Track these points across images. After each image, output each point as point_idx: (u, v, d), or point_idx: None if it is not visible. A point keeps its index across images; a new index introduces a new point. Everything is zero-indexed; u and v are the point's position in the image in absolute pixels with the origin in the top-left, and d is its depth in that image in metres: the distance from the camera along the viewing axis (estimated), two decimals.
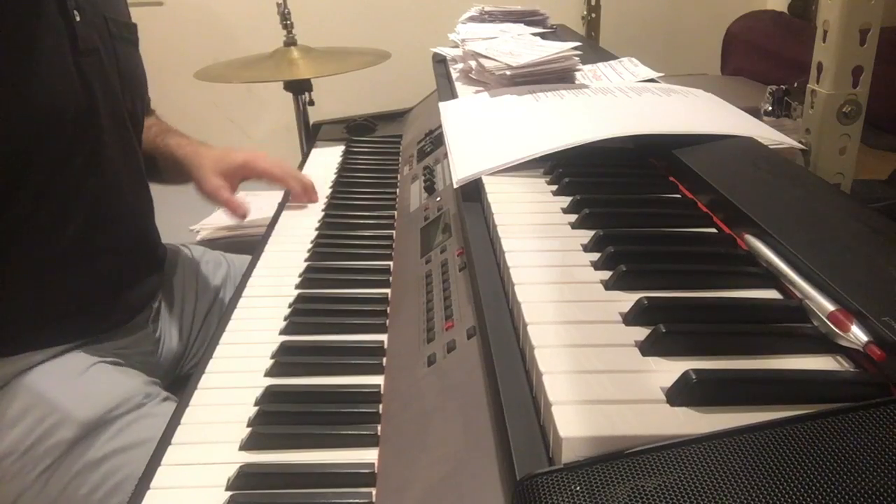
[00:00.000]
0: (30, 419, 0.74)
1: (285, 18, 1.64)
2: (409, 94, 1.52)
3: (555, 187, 0.67)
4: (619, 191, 0.68)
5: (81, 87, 0.81)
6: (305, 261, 0.86)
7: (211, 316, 1.05)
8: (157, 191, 1.04)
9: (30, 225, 0.78)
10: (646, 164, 0.74)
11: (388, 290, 0.77)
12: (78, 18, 0.81)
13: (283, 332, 0.71)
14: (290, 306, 0.75)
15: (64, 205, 0.81)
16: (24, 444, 0.72)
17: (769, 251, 0.50)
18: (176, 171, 1.06)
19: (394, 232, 0.92)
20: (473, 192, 0.69)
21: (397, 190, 1.07)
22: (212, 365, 0.67)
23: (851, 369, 0.40)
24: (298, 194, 1.07)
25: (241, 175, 1.06)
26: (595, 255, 0.53)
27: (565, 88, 0.91)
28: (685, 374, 0.36)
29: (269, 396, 0.60)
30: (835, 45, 0.69)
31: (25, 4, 0.74)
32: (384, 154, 1.27)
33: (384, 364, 0.64)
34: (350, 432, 0.55)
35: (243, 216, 1.03)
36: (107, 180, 0.86)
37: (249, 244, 1.22)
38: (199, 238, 1.59)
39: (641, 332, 0.42)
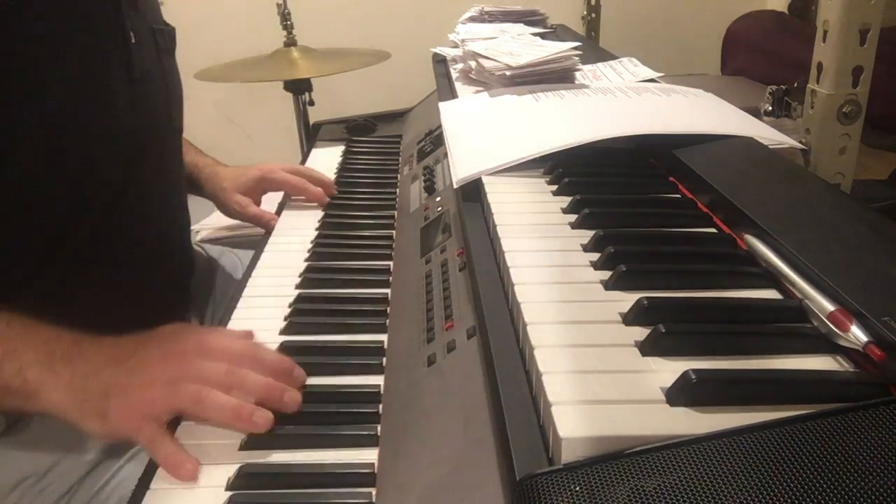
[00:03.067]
0: (50, 442, 0.72)
1: (285, 19, 1.64)
2: (409, 94, 1.52)
3: (555, 187, 0.67)
4: (619, 191, 0.68)
5: (134, 116, 0.77)
6: (305, 261, 0.86)
7: (212, 313, 1.04)
8: None
9: (84, 261, 0.75)
10: (646, 164, 0.74)
11: (388, 290, 0.77)
12: (133, 40, 0.76)
13: (283, 332, 0.71)
14: (290, 306, 0.74)
15: (115, 241, 0.77)
16: (44, 466, 0.71)
17: (769, 251, 0.50)
18: (192, 185, 1.08)
19: (394, 232, 0.92)
20: (473, 192, 0.69)
21: (397, 190, 1.07)
22: None
23: (851, 369, 0.40)
24: (320, 198, 1.06)
25: (261, 189, 1.08)
26: (595, 255, 0.53)
27: (565, 88, 0.91)
28: (685, 375, 0.36)
29: None
30: (835, 45, 0.69)
31: (88, 33, 0.70)
32: (384, 154, 1.27)
33: (384, 364, 0.64)
34: (350, 432, 0.55)
35: (272, 226, 1.04)
36: (151, 208, 0.83)
37: (249, 244, 1.22)
38: (198, 238, 1.59)
39: (641, 332, 0.42)
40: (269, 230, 1.03)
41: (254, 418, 0.54)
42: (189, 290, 0.99)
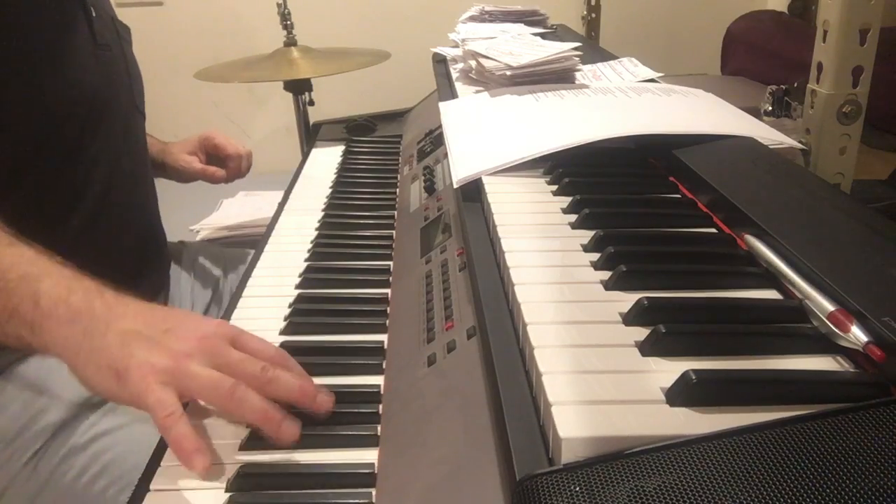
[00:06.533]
0: (17, 405, 0.73)
1: (285, 18, 1.64)
2: (409, 94, 1.52)
3: (555, 187, 0.67)
4: (619, 191, 0.68)
5: (98, 79, 0.84)
6: (305, 261, 0.86)
7: (209, 313, 1.05)
8: (158, 191, 1.05)
9: (35, 214, 0.78)
10: (646, 164, 0.74)
11: (388, 290, 0.77)
12: (94, 14, 0.85)
13: (283, 332, 0.71)
14: (290, 306, 0.74)
15: (71, 195, 0.82)
16: (12, 431, 0.72)
17: (769, 251, 0.50)
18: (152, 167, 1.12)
19: (394, 232, 0.92)
20: (473, 192, 0.69)
21: (397, 190, 1.07)
22: None
23: (851, 369, 0.40)
24: (221, 177, 1.16)
25: (203, 148, 1.17)
26: (595, 256, 0.53)
27: (565, 88, 0.91)
28: (685, 375, 0.36)
29: None
30: (835, 45, 0.69)
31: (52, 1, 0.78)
32: (384, 154, 1.27)
33: (384, 364, 0.64)
34: (350, 432, 0.55)
35: (222, 178, 1.16)
36: (113, 171, 0.87)
37: (249, 244, 1.23)
38: (199, 238, 1.59)
39: (641, 333, 0.42)
40: (216, 182, 1.15)
41: (282, 426, 0.53)
42: (165, 272, 1.02)
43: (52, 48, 0.78)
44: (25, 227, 0.75)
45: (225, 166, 1.17)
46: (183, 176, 1.16)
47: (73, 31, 0.81)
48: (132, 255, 0.92)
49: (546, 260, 0.53)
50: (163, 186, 1.12)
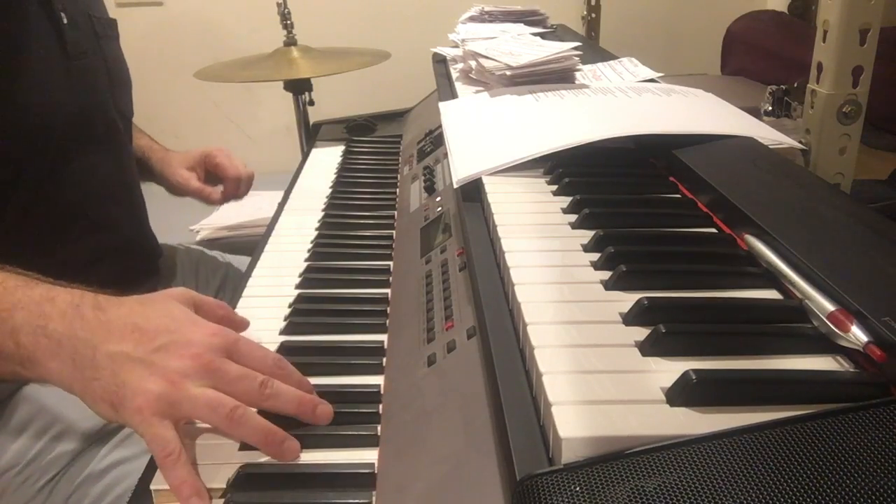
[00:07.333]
0: (33, 431, 0.73)
1: (285, 18, 1.64)
2: (409, 94, 1.52)
3: (555, 187, 0.67)
4: (619, 191, 0.68)
5: (72, 94, 0.80)
6: (305, 261, 0.86)
7: None
8: (157, 191, 1.05)
9: (23, 234, 0.77)
10: (646, 164, 0.74)
11: (388, 290, 0.77)
12: (65, 21, 0.80)
13: (283, 332, 0.71)
14: (290, 306, 0.74)
15: (57, 213, 0.80)
16: (27, 456, 0.71)
17: (769, 251, 0.50)
18: (144, 170, 1.11)
19: (394, 232, 0.92)
20: (473, 192, 0.69)
21: (397, 190, 1.07)
22: None
23: (851, 369, 0.40)
24: (220, 197, 1.14)
25: (204, 165, 1.15)
26: (595, 256, 0.53)
27: (565, 88, 0.91)
28: (685, 375, 0.36)
29: None
30: (835, 45, 0.69)
31: (11, 9, 0.73)
32: (384, 154, 1.27)
33: (384, 364, 0.64)
34: (350, 432, 0.55)
35: (217, 201, 1.14)
36: (99, 185, 0.85)
37: (249, 244, 1.23)
38: (198, 238, 1.59)
39: (641, 333, 0.42)
40: (211, 203, 1.13)
41: (284, 446, 0.52)
42: (158, 277, 1.01)
43: (11, 74, 0.73)
44: (10, 251, 0.73)
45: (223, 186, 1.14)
46: (177, 191, 1.13)
47: (39, 52, 0.76)
48: (121, 268, 0.90)
49: (546, 260, 0.53)
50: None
